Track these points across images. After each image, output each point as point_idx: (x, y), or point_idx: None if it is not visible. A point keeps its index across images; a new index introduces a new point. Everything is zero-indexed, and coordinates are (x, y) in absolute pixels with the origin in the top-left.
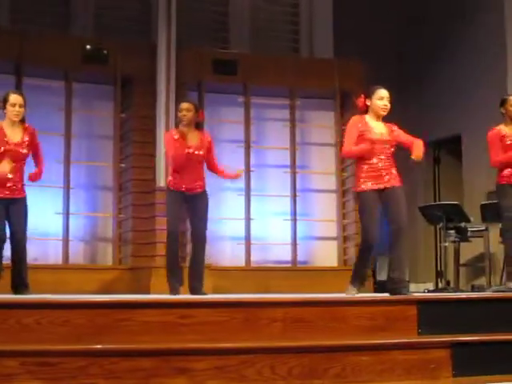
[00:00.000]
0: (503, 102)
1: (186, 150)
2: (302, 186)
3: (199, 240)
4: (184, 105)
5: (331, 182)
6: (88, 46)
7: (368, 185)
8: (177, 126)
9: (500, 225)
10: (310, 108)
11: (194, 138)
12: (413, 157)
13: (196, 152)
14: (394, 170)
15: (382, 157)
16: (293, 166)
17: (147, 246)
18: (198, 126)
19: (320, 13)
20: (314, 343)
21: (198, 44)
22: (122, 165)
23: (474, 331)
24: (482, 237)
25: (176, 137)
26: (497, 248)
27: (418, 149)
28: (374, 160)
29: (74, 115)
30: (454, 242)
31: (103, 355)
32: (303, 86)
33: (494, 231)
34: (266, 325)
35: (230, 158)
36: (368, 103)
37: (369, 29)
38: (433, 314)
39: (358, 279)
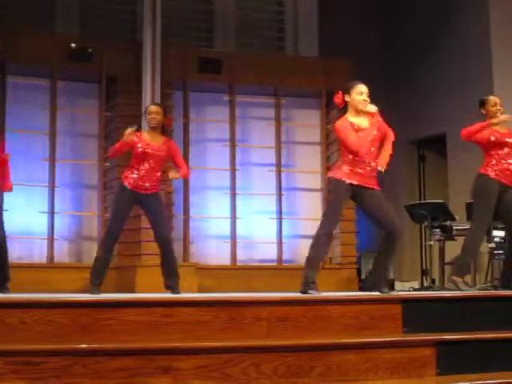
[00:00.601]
0: (483, 103)
1: (145, 148)
2: (288, 184)
3: (168, 240)
4: (153, 108)
5: (316, 181)
6: (73, 44)
7: (347, 175)
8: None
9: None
10: (296, 106)
11: (157, 140)
12: (378, 167)
13: (155, 153)
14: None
15: (368, 155)
16: (278, 164)
17: (132, 244)
18: (165, 132)
19: (305, 11)
20: (299, 342)
21: (183, 43)
22: (107, 163)
23: (458, 330)
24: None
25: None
26: (482, 247)
27: (383, 158)
28: (362, 158)
29: (59, 113)
30: (439, 240)
31: (87, 354)
32: (288, 85)
33: None
34: (251, 324)
35: (215, 156)
36: (347, 99)
37: (355, 27)
38: (418, 313)
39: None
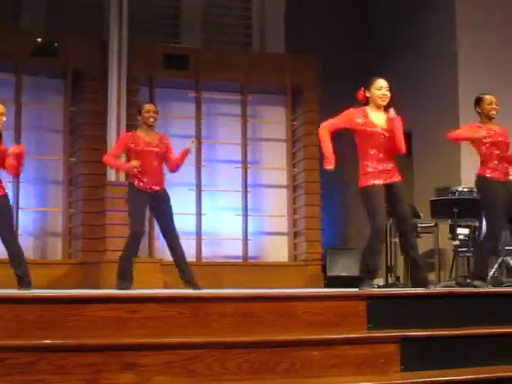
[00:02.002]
0: (478, 101)
1: (148, 148)
2: (253, 181)
3: (176, 237)
4: (152, 106)
5: (282, 178)
6: (39, 39)
7: (372, 180)
8: (133, 126)
9: (449, 221)
10: (262, 103)
11: (153, 137)
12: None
13: (155, 150)
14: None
15: (383, 151)
16: (244, 161)
17: (97, 240)
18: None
19: (272, 8)
20: (264, 338)
21: (149, 38)
22: (73, 159)
23: (422, 326)
24: (431, 233)
25: (133, 145)
26: (446, 244)
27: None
28: (376, 153)
29: (24, 108)
30: None
31: (52, 350)
32: (255, 81)
33: (444, 227)
34: (216, 320)
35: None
36: (368, 95)
37: (322, 23)
38: (382, 310)
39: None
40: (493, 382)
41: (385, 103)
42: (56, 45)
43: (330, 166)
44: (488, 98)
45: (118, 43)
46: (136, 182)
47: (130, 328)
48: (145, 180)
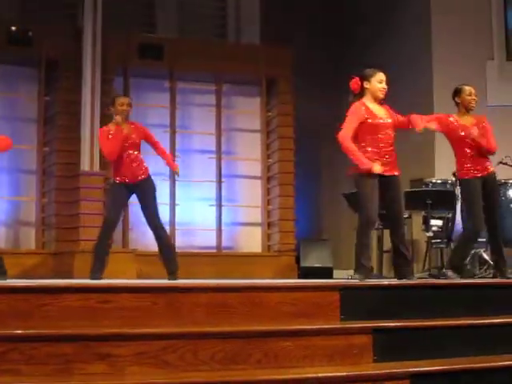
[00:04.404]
0: (459, 92)
1: (125, 140)
2: (228, 171)
3: (160, 226)
4: (127, 99)
5: (256, 168)
6: (13, 28)
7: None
8: (107, 116)
9: (423, 213)
10: (236, 94)
11: (127, 128)
12: (417, 130)
13: (133, 141)
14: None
15: (385, 143)
16: (218, 151)
17: (70, 230)
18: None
19: None
20: (237, 329)
21: (124, 28)
22: (46, 148)
23: (395, 317)
24: (405, 224)
25: (112, 132)
26: (419, 235)
27: (417, 121)
28: (379, 145)
29: None
30: (378, 228)
31: (24, 340)
32: (229, 72)
33: (417, 219)
34: (189, 310)
35: None
36: (366, 86)
37: (297, 16)
38: (355, 300)
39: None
40: (465, 372)
41: (383, 96)
42: (30, 34)
43: (376, 166)
44: (468, 88)
45: (93, 33)
46: (116, 177)
47: (103, 318)
48: (125, 173)
